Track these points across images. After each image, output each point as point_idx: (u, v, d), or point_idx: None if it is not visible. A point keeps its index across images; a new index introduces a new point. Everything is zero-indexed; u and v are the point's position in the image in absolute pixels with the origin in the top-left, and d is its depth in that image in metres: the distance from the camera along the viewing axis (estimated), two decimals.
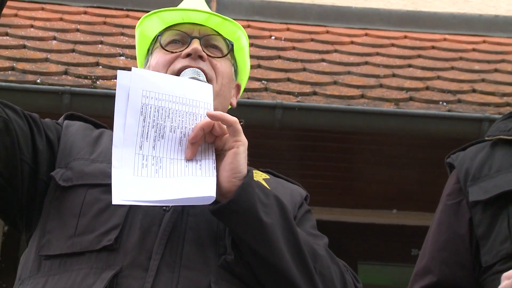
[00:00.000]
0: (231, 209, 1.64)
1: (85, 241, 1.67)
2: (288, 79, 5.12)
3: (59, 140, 1.85)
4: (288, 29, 6.36)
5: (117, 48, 5.38)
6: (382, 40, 6.28)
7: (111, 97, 4.33)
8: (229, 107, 2.04)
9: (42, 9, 6.13)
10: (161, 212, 1.71)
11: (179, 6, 2.02)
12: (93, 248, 1.66)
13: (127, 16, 6.23)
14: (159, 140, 1.66)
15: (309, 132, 4.86)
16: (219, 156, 1.70)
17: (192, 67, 1.89)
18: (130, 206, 1.68)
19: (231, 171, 1.67)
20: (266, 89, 4.86)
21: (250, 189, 1.66)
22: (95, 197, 1.72)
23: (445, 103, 4.89)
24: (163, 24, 2.00)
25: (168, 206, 1.71)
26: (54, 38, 5.47)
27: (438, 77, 5.47)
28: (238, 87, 2.10)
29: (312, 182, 5.30)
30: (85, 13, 6.21)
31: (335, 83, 5.13)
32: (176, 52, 1.93)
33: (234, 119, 1.68)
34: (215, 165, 1.68)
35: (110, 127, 2.01)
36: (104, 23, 6.01)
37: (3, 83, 4.39)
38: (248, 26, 6.23)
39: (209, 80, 1.89)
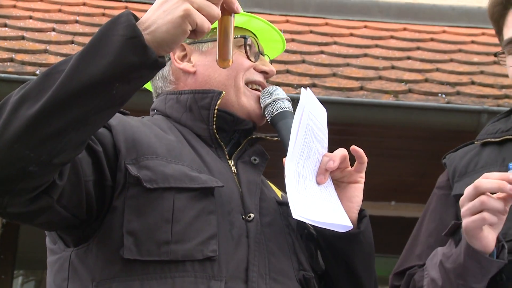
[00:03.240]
0: (358, 238, 1.83)
1: (184, 250, 1.63)
2: (287, 71, 5.12)
3: (110, 131, 1.70)
4: (287, 21, 6.36)
5: None
6: (381, 32, 6.28)
7: None
8: None
9: (41, 0, 6.12)
10: (243, 222, 1.72)
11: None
12: (194, 258, 1.63)
13: (126, 7, 6.22)
14: (306, 161, 1.74)
15: None
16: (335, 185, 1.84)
17: (265, 85, 2.02)
18: (218, 213, 1.69)
19: (356, 204, 1.85)
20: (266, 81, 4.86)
21: (369, 223, 1.88)
22: (184, 203, 1.67)
23: (444, 95, 4.89)
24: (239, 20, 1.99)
25: (251, 216, 1.74)
26: (53, 30, 5.46)
27: (437, 69, 5.47)
28: None
29: None
30: (84, 4, 6.21)
31: (334, 75, 5.14)
32: (252, 61, 1.99)
33: (366, 158, 1.84)
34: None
35: None
36: (103, 14, 6.01)
37: (2, 75, 4.39)
38: None
39: None
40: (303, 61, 5.38)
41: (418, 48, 5.95)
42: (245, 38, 1.98)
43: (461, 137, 2.35)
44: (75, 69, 1.43)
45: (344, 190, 1.85)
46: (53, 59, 4.76)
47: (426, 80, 5.18)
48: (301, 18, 6.42)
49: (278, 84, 4.81)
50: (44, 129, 1.41)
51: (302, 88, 1.76)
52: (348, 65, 5.40)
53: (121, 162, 1.67)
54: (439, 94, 4.90)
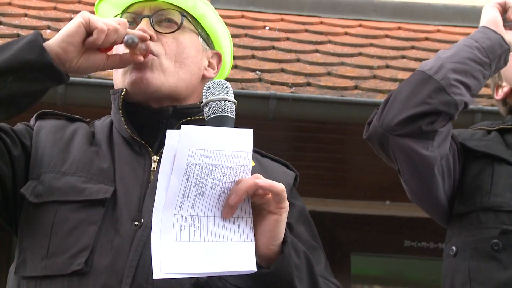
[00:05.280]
0: (270, 280, 1.59)
1: (56, 264, 1.62)
2: (282, 70, 5.12)
3: (31, 145, 1.79)
4: (282, 20, 6.35)
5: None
6: (376, 31, 6.28)
7: (105, 87, 4.33)
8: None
9: None
10: (133, 228, 1.65)
11: None
12: (64, 272, 1.61)
13: None
14: (199, 199, 1.57)
15: (303, 123, 4.86)
16: (254, 210, 1.61)
17: (141, 53, 1.79)
18: (101, 223, 1.65)
19: (271, 239, 1.59)
20: (260, 80, 4.86)
21: (290, 260, 1.61)
22: (65, 215, 1.66)
23: None
24: (117, 8, 1.96)
25: (140, 222, 1.66)
26: (48, 28, 5.45)
27: None
28: (217, 56, 2.01)
29: (306, 173, 5.30)
30: (79, 2, 6.18)
31: (329, 74, 5.13)
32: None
33: (281, 188, 1.58)
34: (253, 225, 1.60)
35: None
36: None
37: None
38: (242, 17, 6.22)
39: (157, 55, 1.83)
40: (298, 60, 5.37)
41: (413, 47, 5.95)
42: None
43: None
44: None
45: (264, 219, 1.60)
46: None
47: None
48: (296, 17, 6.41)
49: (273, 83, 4.83)
50: None
51: (168, 130, 1.55)
52: (342, 64, 5.40)
53: (29, 177, 1.76)
54: None
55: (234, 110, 1.66)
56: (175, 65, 1.86)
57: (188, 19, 1.93)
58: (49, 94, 1.79)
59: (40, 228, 1.67)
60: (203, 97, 1.67)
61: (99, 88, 4.30)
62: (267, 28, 6.06)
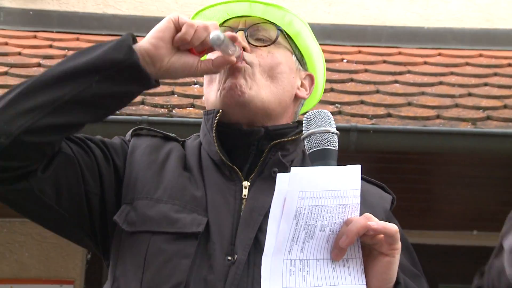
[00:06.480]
0: None
1: None
2: (362, 102, 5.11)
3: (124, 165, 1.76)
4: (359, 52, 6.35)
5: (191, 77, 5.47)
6: (456, 59, 6.20)
7: (187, 125, 4.40)
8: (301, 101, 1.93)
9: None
10: (226, 263, 1.60)
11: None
12: None
13: None
14: (308, 242, 1.52)
15: (385, 154, 4.83)
16: (364, 250, 1.54)
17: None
18: (194, 257, 1.61)
19: (384, 282, 1.54)
20: (340, 113, 4.86)
21: None
22: (158, 247, 1.62)
23: None
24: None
25: (233, 257, 1.61)
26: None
27: None
28: (310, 77, 1.97)
29: None
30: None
31: (409, 104, 5.09)
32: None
33: (395, 229, 1.52)
34: (363, 266, 1.54)
35: None
36: None
37: None
38: None
39: (250, 65, 1.78)
40: (377, 91, 5.36)
41: (496, 74, 5.84)
42: None
43: None
44: (64, 61, 1.60)
45: (375, 261, 1.53)
46: None
47: (505, 107, 5.08)
48: (374, 48, 6.40)
49: (353, 115, 4.82)
50: (19, 106, 1.53)
51: (278, 174, 1.51)
52: (423, 93, 5.35)
53: (122, 199, 1.72)
54: None
55: (337, 141, 1.60)
56: (267, 79, 1.80)
57: (284, 36, 1.88)
58: None
59: (133, 258, 1.64)
60: (304, 128, 1.61)
61: (181, 126, 4.39)
62: (345, 60, 6.07)
